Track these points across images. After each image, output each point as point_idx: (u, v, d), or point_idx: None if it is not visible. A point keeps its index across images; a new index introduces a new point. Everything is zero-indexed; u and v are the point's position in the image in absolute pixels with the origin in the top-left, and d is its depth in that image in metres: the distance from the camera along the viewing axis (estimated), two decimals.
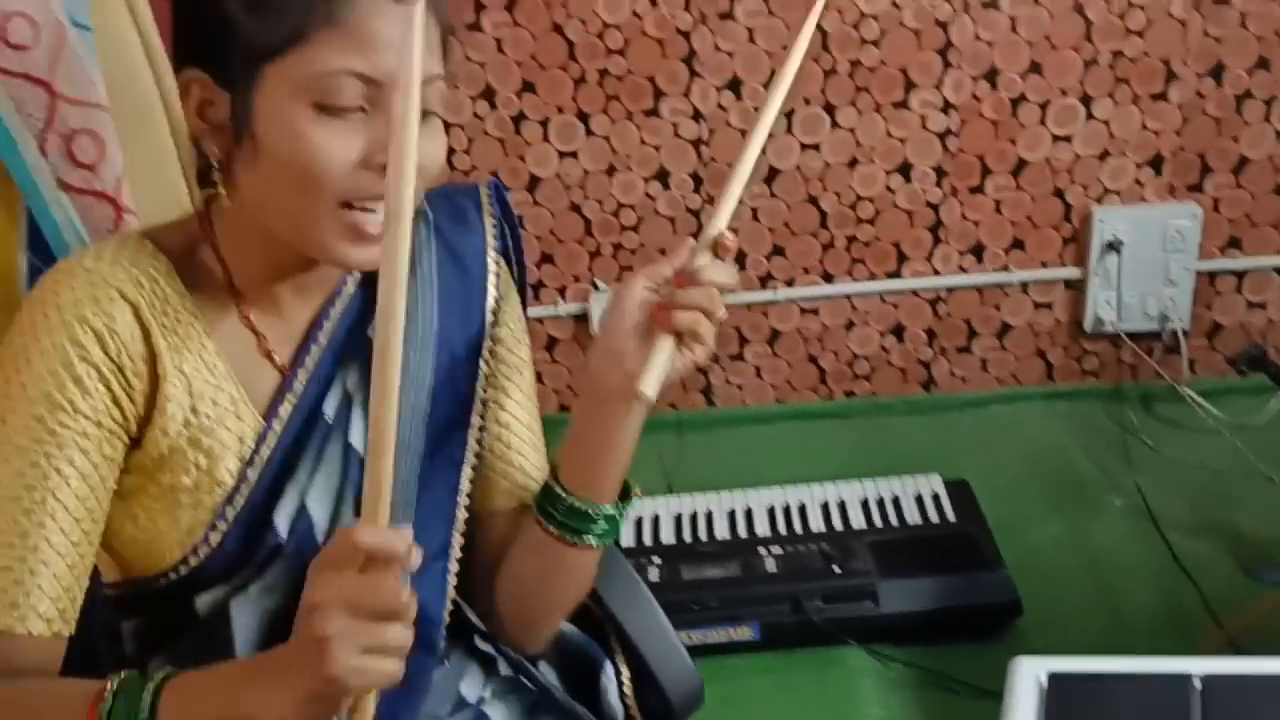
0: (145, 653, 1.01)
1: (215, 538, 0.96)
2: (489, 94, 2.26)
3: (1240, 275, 2.41)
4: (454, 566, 1.07)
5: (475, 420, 1.07)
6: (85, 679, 0.91)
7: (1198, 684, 1.01)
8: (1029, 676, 1.08)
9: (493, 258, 1.09)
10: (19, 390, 0.91)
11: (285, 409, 0.99)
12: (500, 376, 1.10)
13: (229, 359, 0.98)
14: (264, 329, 1.00)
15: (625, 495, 1.06)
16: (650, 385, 0.95)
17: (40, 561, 0.90)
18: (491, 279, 1.09)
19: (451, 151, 2.30)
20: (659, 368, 0.95)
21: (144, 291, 0.94)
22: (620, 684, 1.18)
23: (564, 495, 1.04)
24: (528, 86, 2.26)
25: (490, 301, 1.09)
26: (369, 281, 1.02)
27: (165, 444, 0.94)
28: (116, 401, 0.93)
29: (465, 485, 1.07)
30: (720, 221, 0.98)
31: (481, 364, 1.08)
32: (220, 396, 0.97)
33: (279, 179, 0.91)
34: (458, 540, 1.08)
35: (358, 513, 0.89)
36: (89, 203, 1.17)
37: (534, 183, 2.34)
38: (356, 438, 1.01)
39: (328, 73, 0.87)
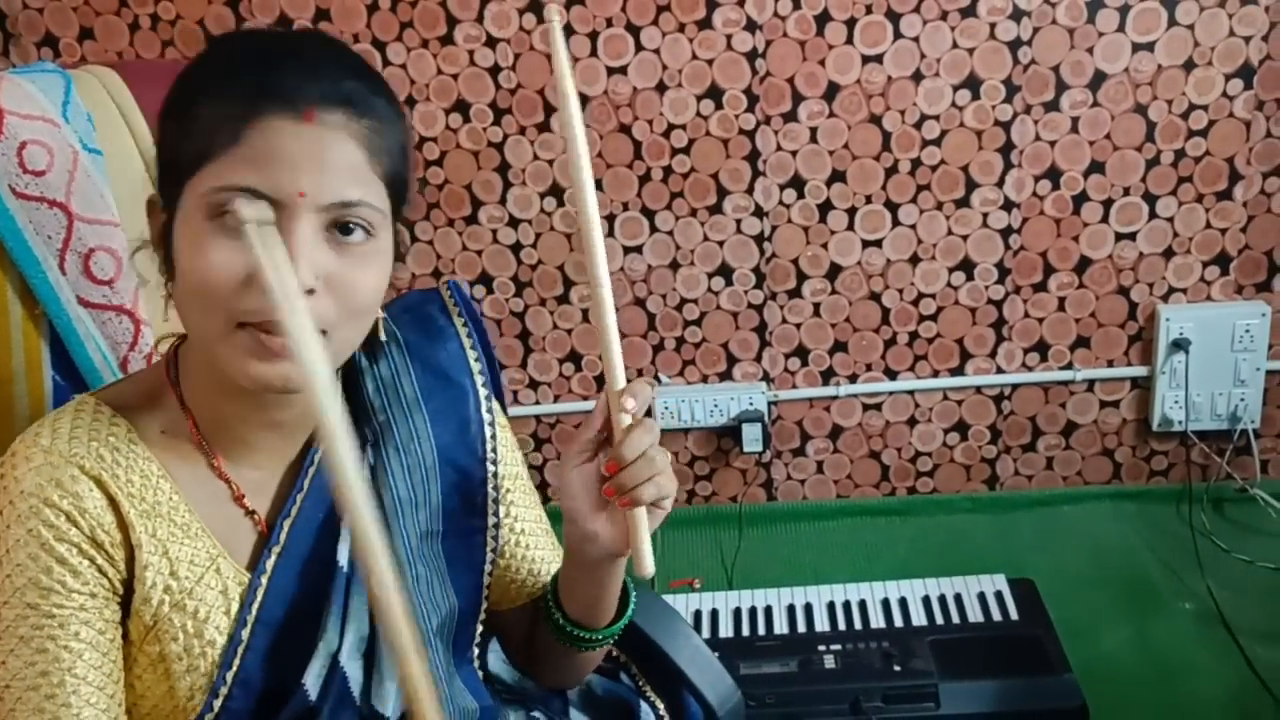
0: None
1: (218, 703, 0.95)
2: (556, 191, 2.32)
3: None
4: (477, 651, 1.11)
5: (491, 521, 1.09)
6: None
7: None
8: None
9: (473, 357, 1.09)
10: (5, 582, 0.89)
11: (270, 562, 0.97)
12: (506, 479, 1.11)
13: (202, 515, 0.96)
14: (236, 477, 0.98)
15: (624, 599, 1.12)
16: (648, 564, 0.95)
17: None
18: (479, 379, 1.09)
19: (519, 246, 2.36)
20: (645, 543, 0.95)
21: (105, 463, 0.92)
22: (659, 715, 1.20)
23: (568, 626, 1.09)
24: (594, 183, 2.31)
25: (484, 401, 1.09)
26: (349, 427, 1.01)
27: (149, 614, 0.93)
28: (103, 571, 0.91)
29: (486, 580, 1.10)
30: (617, 379, 0.94)
31: (491, 466, 1.08)
32: (198, 555, 0.95)
33: (186, 297, 0.90)
34: (478, 630, 1.11)
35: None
36: (108, 317, 1.19)
37: None
38: None
39: (223, 187, 0.86)
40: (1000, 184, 2.28)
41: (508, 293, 2.39)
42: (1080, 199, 2.28)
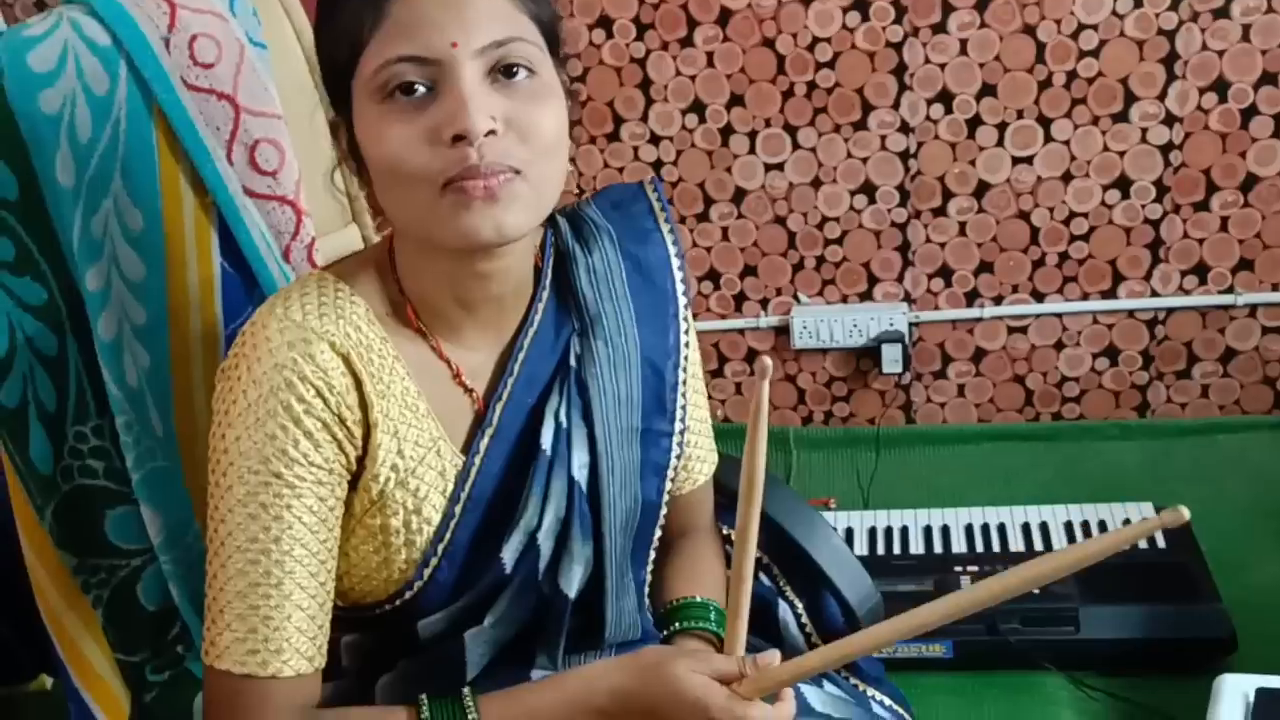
0: (364, 669, 1.06)
1: (427, 572, 0.99)
2: (699, 107, 2.30)
3: None
4: (650, 559, 1.13)
5: (678, 427, 1.11)
6: (381, 707, 1.00)
7: None
8: (1235, 693, 1.03)
9: (677, 265, 1.11)
10: (252, 449, 0.92)
11: (484, 443, 1.01)
12: (690, 379, 1.13)
13: (428, 397, 0.99)
14: (455, 360, 1.02)
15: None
16: None
17: (295, 605, 0.93)
18: (680, 288, 1.11)
19: (659, 164, 2.36)
20: None
21: (351, 341, 0.95)
22: (798, 615, 1.20)
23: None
24: (736, 100, 2.29)
25: (682, 310, 1.11)
26: (559, 311, 1.05)
27: (376, 489, 0.97)
28: (342, 449, 0.95)
29: (668, 487, 1.11)
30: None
31: (680, 373, 1.11)
32: (422, 437, 0.99)
33: (386, 186, 0.93)
34: (655, 536, 1.12)
35: (586, 543, 1.02)
36: (271, 207, 1.23)
37: (739, 195, 2.37)
38: (578, 470, 1.03)
39: (381, 65, 0.89)
40: (1161, 97, 2.17)
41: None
42: (1249, 113, 2.16)
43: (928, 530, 2.16)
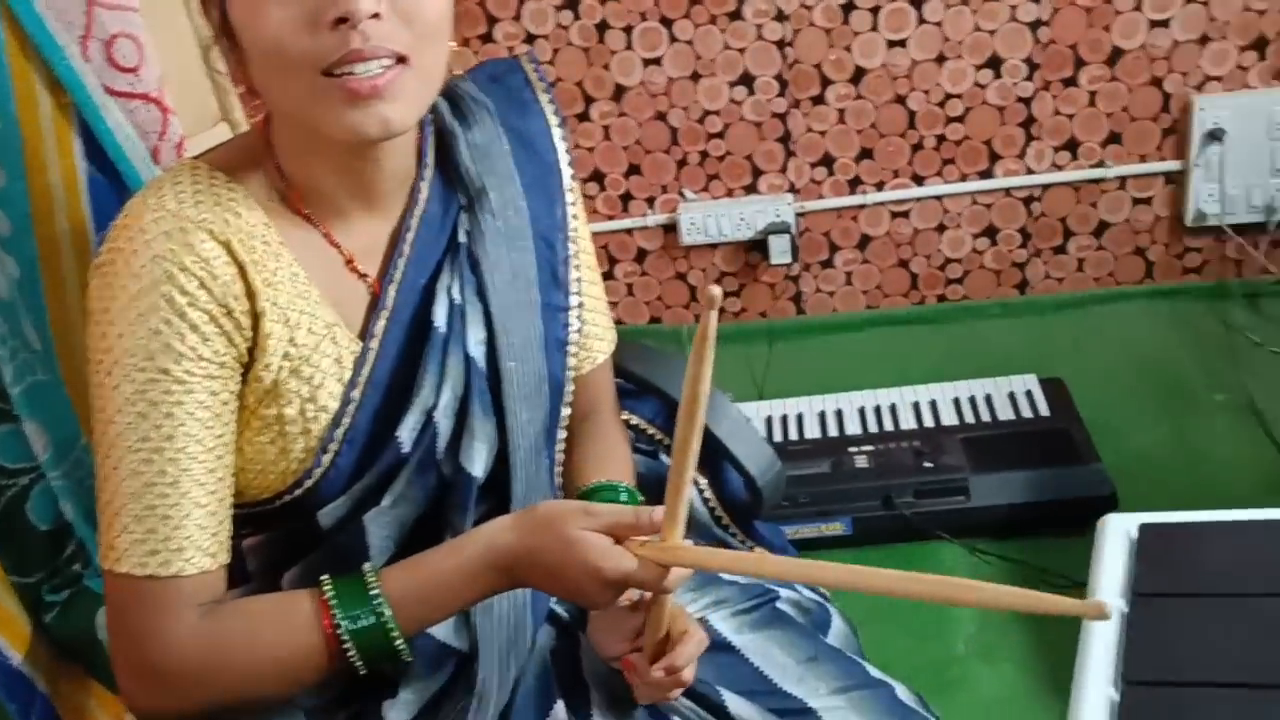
0: (269, 568, 1.04)
1: (326, 459, 0.97)
2: (572, 3, 2.27)
3: None
4: (561, 438, 1.12)
5: (574, 301, 1.10)
6: (284, 593, 0.97)
7: None
8: (1118, 532, 1.07)
9: (559, 135, 1.09)
10: (137, 345, 0.89)
11: (379, 326, 0.99)
12: (581, 255, 1.12)
13: (319, 283, 0.97)
14: (346, 245, 0.99)
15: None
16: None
17: (194, 503, 0.91)
18: (564, 159, 1.10)
19: (536, 63, 2.31)
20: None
21: (231, 229, 0.92)
22: (700, 490, 1.22)
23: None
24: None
25: (567, 181, 1.10)
26: (445, 189, 1.03)
27: (269, 378, 0.94)
28: (231, 341, 0.92)
29: (572, 362, 1.11)
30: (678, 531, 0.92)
31: (571, 245, 1.10)
32: (315, 324, 0.96)
33: (264, 71, 0.90)
34: (564, 414, 1.12)
35: (487, 420, 1.00)
36: (135, 106, 1.17)
37: (619, 92, 2.35)
38: (474, 346, 1.02)
39: None
40: None
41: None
42: None
43: (822, 415, 2.20)
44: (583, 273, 1.12)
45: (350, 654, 0.93)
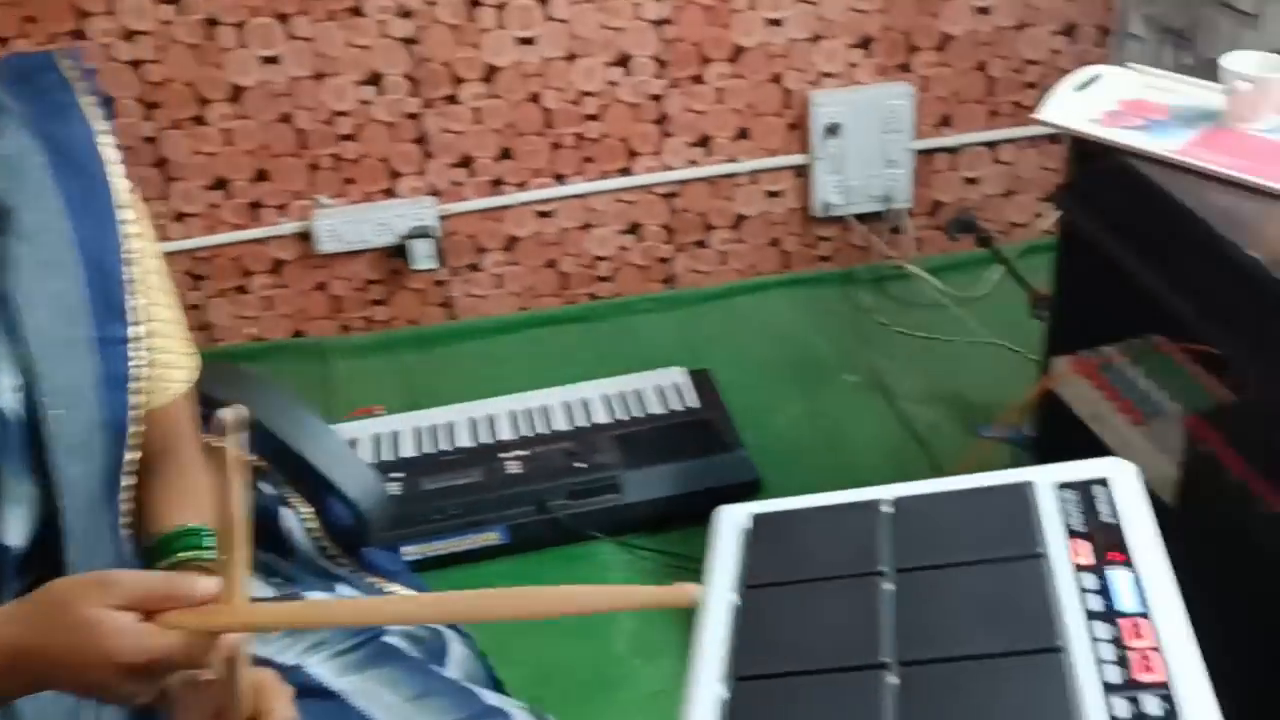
0: None
1: None
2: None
3: (954, 152, 2.49)
4: (126, 484, 0.99)
5: (137, 330, 0.97)
6: None
7: (888, 507, 1.02)
8: (732, 522, 1.07)
9: (105, 142, 0.96)
10: None
11: None
12: (150, 274, 0.99)
13: None
14: None
15: None
16: None
17: None
18: (114, 170, 0.96)
19: (138, 64, 2.13)
20: None
21: None
22: (303, 521, 1.13)
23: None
24: None
25: (121, 196, 0.96)
26: None
27: None
28: None
29: (138, 400, 0.98)
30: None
31: (128, 269, 0.96)
32: None
33: None
34: (130, 459, 0.98)
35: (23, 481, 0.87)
36: None
37: (237, 93, 2.20)
38: (7, 396, 0.88)
39: None
40: None
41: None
42: None
43: (473, 422, 2.14)
44: (151, 296, 0.99)
45: None
